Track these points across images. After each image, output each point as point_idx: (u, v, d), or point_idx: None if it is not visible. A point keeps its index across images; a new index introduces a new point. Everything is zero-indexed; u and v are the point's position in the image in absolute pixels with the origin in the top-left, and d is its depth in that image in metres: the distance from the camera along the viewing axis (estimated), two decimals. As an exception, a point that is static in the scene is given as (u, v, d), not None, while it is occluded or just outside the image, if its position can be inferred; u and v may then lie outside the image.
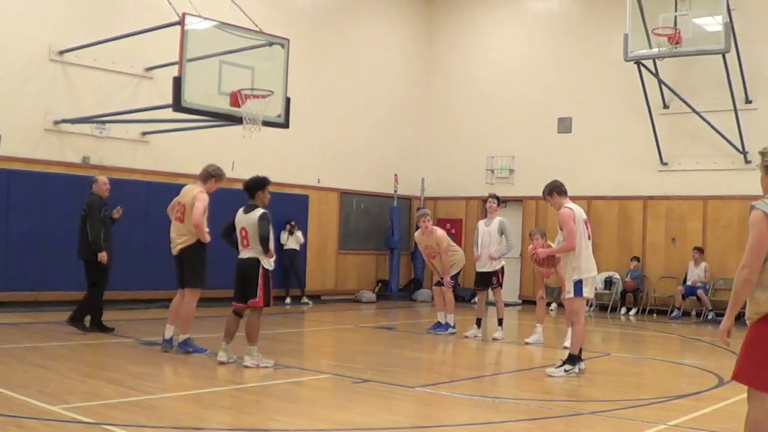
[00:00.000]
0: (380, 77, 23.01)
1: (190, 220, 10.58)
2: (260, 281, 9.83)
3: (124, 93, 16.97)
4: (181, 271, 10.78)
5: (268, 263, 9.92)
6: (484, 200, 14.44)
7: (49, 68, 16.13)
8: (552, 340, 13.82)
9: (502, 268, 14.02)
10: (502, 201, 14.97)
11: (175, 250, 10.79)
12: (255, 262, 9.86)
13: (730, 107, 18.36)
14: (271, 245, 9.90)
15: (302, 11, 21.06)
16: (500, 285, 14.04)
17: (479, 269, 13.98)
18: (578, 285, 10.12)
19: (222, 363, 9.97)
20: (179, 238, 10.74)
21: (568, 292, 10.17)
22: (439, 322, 14.48)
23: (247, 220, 9.91)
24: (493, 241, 13.82)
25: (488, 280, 13.96)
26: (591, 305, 19.96)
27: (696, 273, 18.87)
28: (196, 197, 10.63)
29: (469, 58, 23.68)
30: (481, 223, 14.22)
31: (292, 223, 19.61)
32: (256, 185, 10.10)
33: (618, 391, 9.88)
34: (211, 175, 10.90)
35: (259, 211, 9.90)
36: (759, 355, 5.00)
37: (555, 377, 10.02)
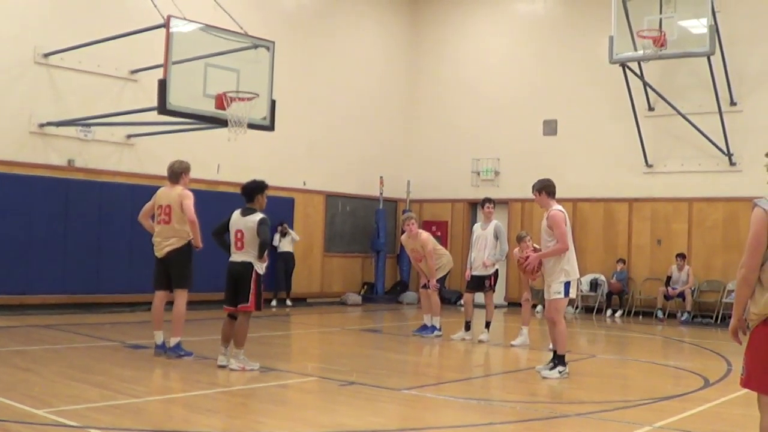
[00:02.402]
0: (365, 79, 23.03)
1: (177, 220, 10.46)
2: (253, 286, 9.77)
3: (109, 95, 16.92)
4: (165, 273, 10.61)
5: (261, 268, 9.89)
6: (481, 204, 14.38)
7: (34, 71, 16.07)
8: (538, 342, 13.84)
9: (496, 271, 14.07)
10: (488, 203, 14.99)
11: (161, 253, 10.59)
12: (248, 266, 9.80)
13: (715, 109, 18.43)
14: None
15: (287, 13, 21.05)
16: (492, 289, 14.08)
17: (474, 272, 14.00)
18: (567, 286, 10.20)
19: (222, 367, 9.91)
20: (166, 241, 10.56)
21: (558, 293, 10.18)
22: (425, 325, 14.48)
23: (245, 223, 9.85)
24: (489, 244, 13.84)
25: (481, 283, 13.98)
26: (576, 307, 20.01)
27: (681, 279, 18.91)
28: (182, 195, 10.51)
29: (454, 60, 23.71)
30: (477, 227, 14.24)
31: (284, 224, 19.63)
32: (256, 189, 10.06)
33: (604, 392, 9.90)
34: (180, 172, 10.73)
35: (259, 215, 9.86)
36: (766, 360, 4.87)
37: (550, 379, 10.04)
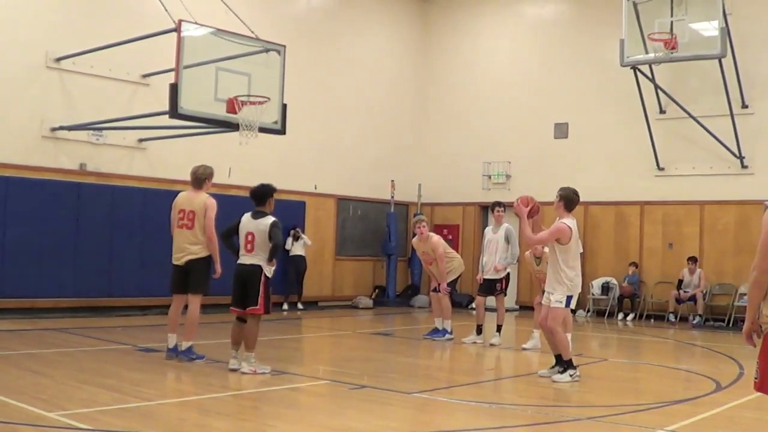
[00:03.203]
0: (376, 83, 23.04)
1: (201, 227, 10.38)
2: (261, 289, 9.77)
3: (121, 100, 16.97)
4: (184, 277, 10.49)
5: (270, 271, 9.89)
6: (491, 208, 14.39)
7: (46, 75, 16.13)
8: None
9: (508, 275, 14.05)
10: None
11: (182, 260, 10.46)
12: (258, 269, 9.81)
13: (726, 112, 18.37)
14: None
15: (298, 17, 21.08)
16: (504, 292, 14.06)
17: (485, 276, 13.98)
18: (569, 298, 10.20)
19: (233, 370, 9.91)
20: (190, 247, 10.42)
21: (559, 302, 10.13)
22: (437, 328, 14.47)
23: (256, 226, 9.85)
24: (500, 248, 13.82)
25: (493, 287, 13.95)
26: (588, 310, 19.97)
27: (692, 283, 18.85)
28: (207, 205, 10.44)
29: (465, 63, 23.70)
30: (489, 230, 14.24)
31: (297, 228, 19.67)
32: (267, 192, 10.07)
33: (615, 396, 9.87)
34: (204, 178, 10.68)
35: (271, 218, 9.87)
36: None
37: (561, 383, 10.02)
